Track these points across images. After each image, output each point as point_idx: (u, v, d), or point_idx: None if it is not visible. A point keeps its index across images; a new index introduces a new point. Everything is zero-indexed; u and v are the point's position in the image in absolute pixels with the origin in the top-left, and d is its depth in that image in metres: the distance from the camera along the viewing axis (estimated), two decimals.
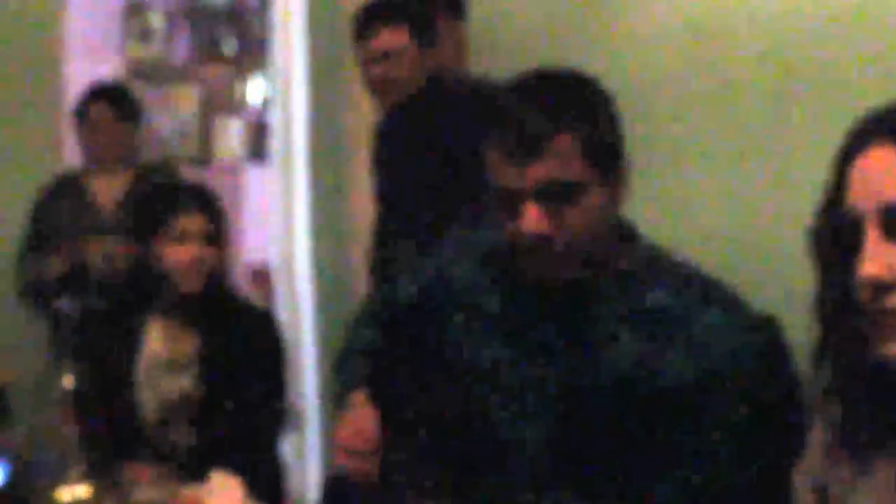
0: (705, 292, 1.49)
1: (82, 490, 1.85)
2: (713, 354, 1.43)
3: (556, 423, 1.51)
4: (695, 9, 2.49)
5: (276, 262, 4.45)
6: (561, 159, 1.41)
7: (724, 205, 2.44)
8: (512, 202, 1.44)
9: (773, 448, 1.41)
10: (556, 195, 1.42)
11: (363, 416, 1.66)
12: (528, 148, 1.41)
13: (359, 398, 1.70)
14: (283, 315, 4.34)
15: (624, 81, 2.70)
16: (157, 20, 5.36)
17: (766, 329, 1.49)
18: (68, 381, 1.82)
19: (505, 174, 1.44)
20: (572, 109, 1.45)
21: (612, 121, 1.50)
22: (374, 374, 1.77)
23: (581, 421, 1.49)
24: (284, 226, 4.35)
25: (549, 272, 1.47)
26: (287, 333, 4.19)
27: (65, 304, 3.13)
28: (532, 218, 1.41)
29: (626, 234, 1.55)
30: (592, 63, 2.78)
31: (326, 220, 4.27)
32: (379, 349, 1.79)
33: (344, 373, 1.84)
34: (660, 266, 1.53)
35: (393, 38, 2.77)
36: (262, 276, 5.07)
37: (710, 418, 1.43)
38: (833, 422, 1.16)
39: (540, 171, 1.41)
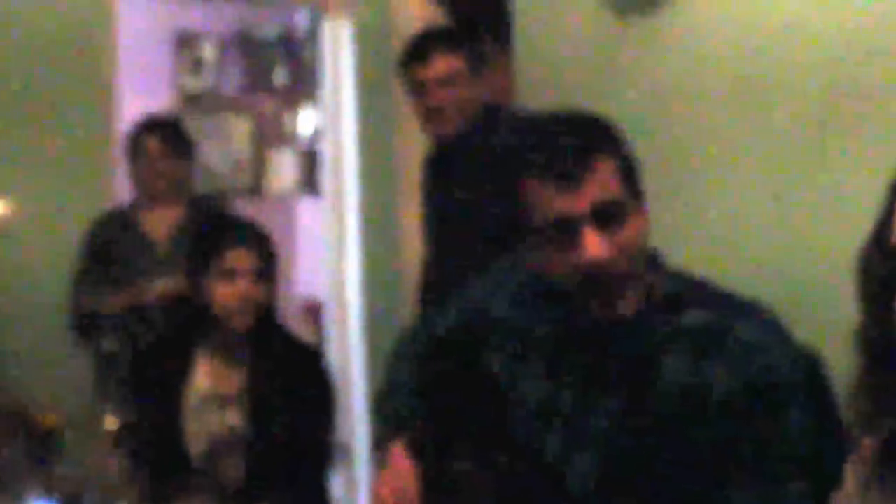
0: (741, 307, 1.51)
1: None
2: (755, 367, 1.42)
3: (607, 453, 1.51)
4: (739, 39, 2.49)
5: (328, 295, 4.46)
6: (606, 181, 1.44)
7: (768, 232, 2.43)
8: (565, 231, 1.44)
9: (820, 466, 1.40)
10: (611, 216, 1.44)
11: (402, 473, 1.66)
12: (577, 171, 1.42)
13: (397, 448, 1.71)
14: (333, 348, 4.33)
15: (667, 111, 2.69)
16: (208, 51, 5.39)
17: (807, 351, 1.50)
18: (111, 422, 1.81)
19: (555, 203, 1.44)
20: (604, 136, 1.50)
21: (630, 148, 1.54)
22: (421, 409, 1.75)
23: (634, 449, 1.49)
24: (335, 258, 4.36)
25: (610, 301, 1.47)
26: (337, 366, 4.20)
27: (107, 342, 3.11)
28: (593, 242, 1.42)
29: (655, 262, 1.57)
30: (633, 93, 2.78)
31: (377, 253, 4.26)
32: (423, 384, 1.78)
33: (384, 413, 1.82)
34: (692, 287, 1.54)
35: (449, 63, 2.76)
36: (313, 309, 5.06)
37: (762, 433, 1.42)
38: (873, 457, 1.15)
39: (593, 193, 1.42)
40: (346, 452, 3.73)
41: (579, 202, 1.42)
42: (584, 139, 1.46)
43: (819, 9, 2.30)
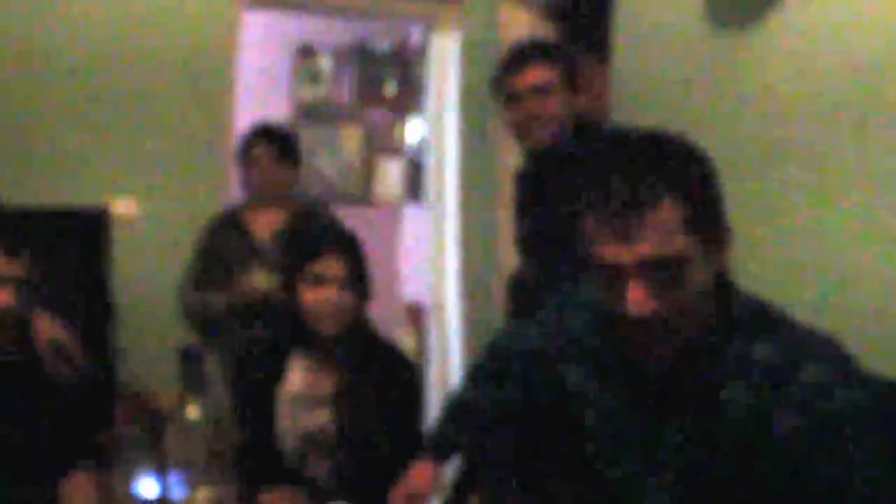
0: (811, 345, 1.42)
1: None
2: (817, 410, 1.34)
3: (678, 479, 1.48)
4: (843, 51, 2.43)
5: (430, 301, 4.50)
6: (664, 233, 1.34)
7: (868, 251, 2.37)
8: (615, 278, 1.38)
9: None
10: (661, 273, 1.36)
11: (418, 478, 1.71)
12: (631, 222, 1.34)
13: (423, 461, 1.75)
14: (434, 352, 4.38)
15: (766, 126, 2.65)
16: (325, 63, 5.51)
17: (881, 387, 1.42)
18: (192, 412, 1.89)
19: (606, 248, 1.38)
20: (673, 178, 1.37)
21: (713, 186, 1.42)
22: (490, 427, 1.77)
23: (702, 477, 1.46)
24: (437, 265, 4.40)
25: (653, 350, 1.42)
26: (437, 369, 4.25)
27: (193, 344, 3.19)
28: (637, 298, 1.36)
29: (726, 290, 1.48)
30: (731, 108, 2.75)
31: (477, 259, 4.28)
32: (490, 401, 1.80)
33: (436, 428, 1.84)
34: (764, 318, 1.46)
35: (543, 74, 2.77)
36: (415, 313, 5.12)
37: (828, 475, 1.34)
38: None
39: (643, 248, 1.34)
40: None
41: (629, 254, 1.35)
42: (648, 184, 1.35)
43: None
